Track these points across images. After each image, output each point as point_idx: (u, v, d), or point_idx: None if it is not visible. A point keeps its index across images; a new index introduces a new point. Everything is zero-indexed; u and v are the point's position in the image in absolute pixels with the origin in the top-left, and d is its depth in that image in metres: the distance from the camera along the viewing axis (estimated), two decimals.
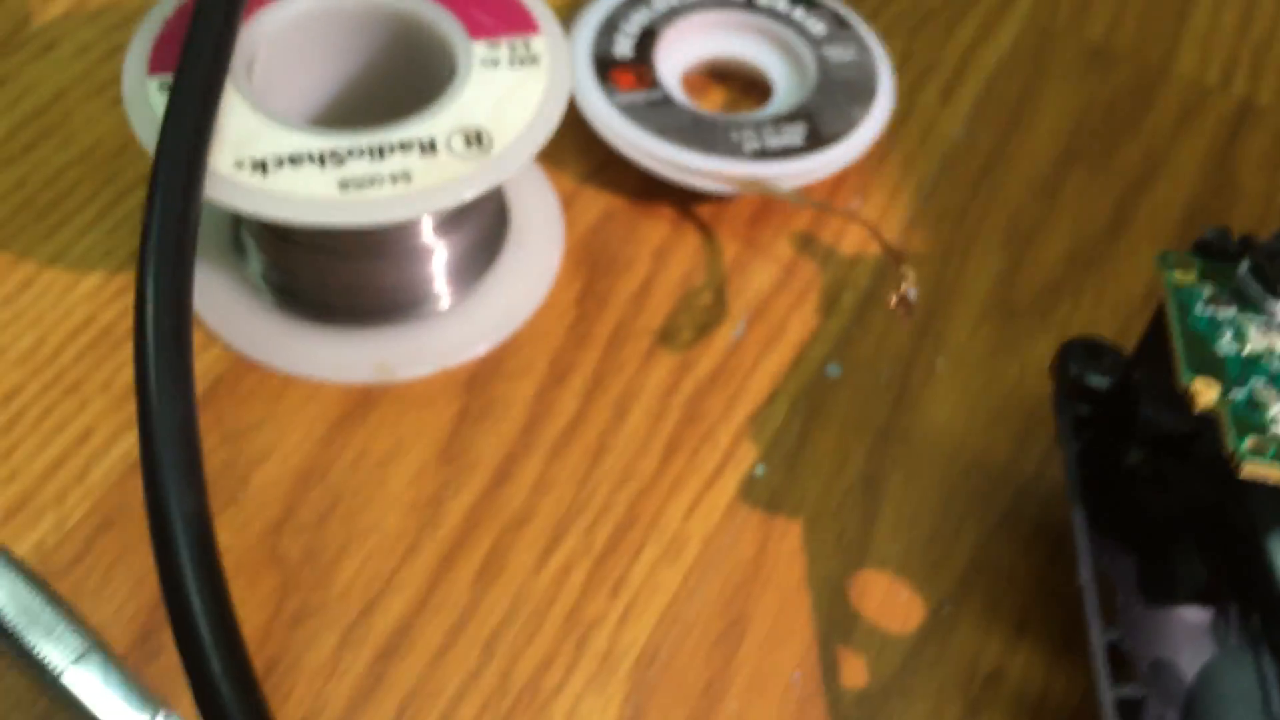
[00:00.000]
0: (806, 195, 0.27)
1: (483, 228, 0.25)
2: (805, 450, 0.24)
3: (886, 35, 0.32)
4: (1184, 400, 0.19)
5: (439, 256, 0.24)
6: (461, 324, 0.25)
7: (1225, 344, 0.20)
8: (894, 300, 0.23)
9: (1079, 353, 0.20)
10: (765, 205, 0.28)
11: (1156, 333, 0.23)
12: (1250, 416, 0.18)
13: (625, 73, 0.28)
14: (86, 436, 0.23)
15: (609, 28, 0.29)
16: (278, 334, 0.24)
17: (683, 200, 0.27)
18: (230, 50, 0.21)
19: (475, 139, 0.22)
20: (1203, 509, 0.20)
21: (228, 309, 0.24)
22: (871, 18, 0.33)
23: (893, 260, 0.24)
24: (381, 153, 0.21)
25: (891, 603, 0.23)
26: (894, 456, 0.24)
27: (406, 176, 0.21)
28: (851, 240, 0.28)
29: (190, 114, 0.20)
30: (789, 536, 0.23)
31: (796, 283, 0.27)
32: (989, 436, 0.25)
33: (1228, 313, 0.20)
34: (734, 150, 0.27)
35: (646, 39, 0.29)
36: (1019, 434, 0.25)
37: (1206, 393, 0.19)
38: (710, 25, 0.30)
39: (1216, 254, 0.21)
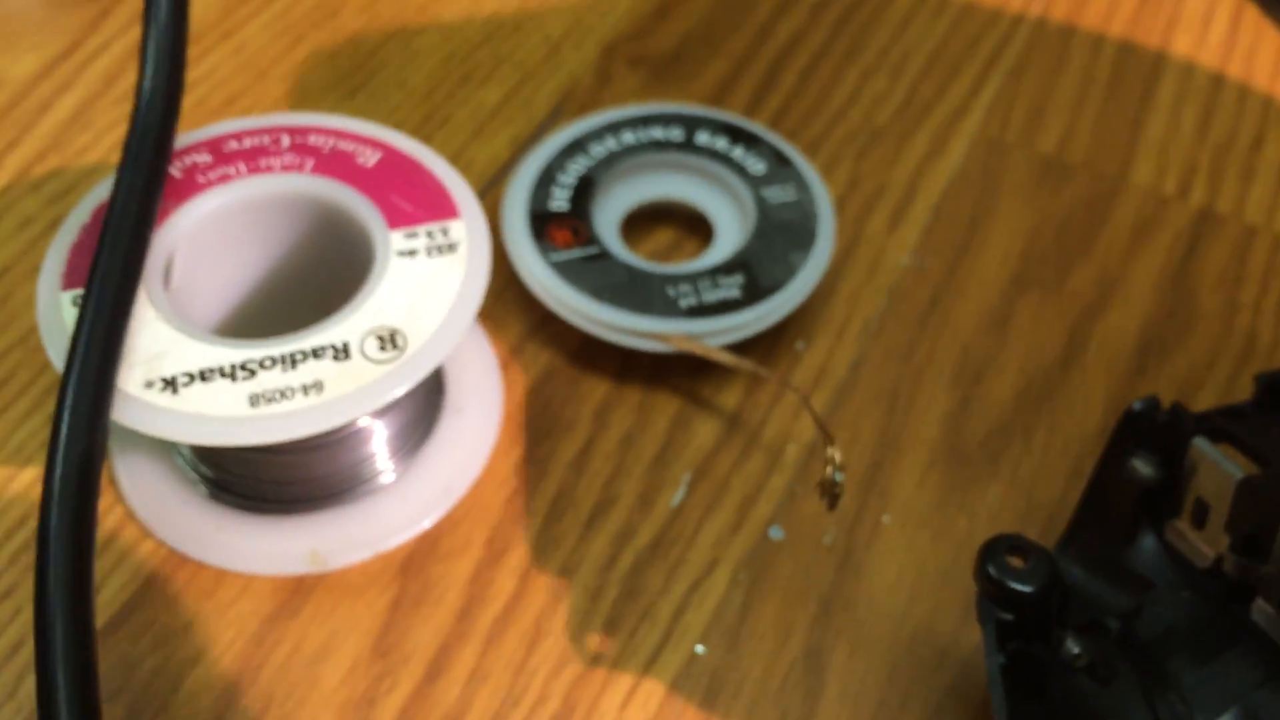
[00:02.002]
0: (746, 349, 0.27)
1: (419, 401, 0.25)
2: (747, 624, 0.24)
3: (834, 159, 0.32)
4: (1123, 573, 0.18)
5: (374, 438, 0.24)
6: (397, 504, 0.24)
7: None
8: (819, 487, 0.22)
9: (1001, 554, 0.19)
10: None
11: (1092, 498, 0.22)
12: None
13: (562, 229, 0.28)
14: (18, 647, 0.23)
15: (546, 180, 0.28)
16: (209, 528, 0.24)
17: (625, 355, 0.27)
18: (140, 265, 0.21)
19: (389, 340, 0.22)
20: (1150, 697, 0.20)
21: (160, 502, 0.24)
22: (819, 141, 0.32)
23: (821, 438, 0.23)
24: (293, 361, 0.21)
25: None
26: (838, 627, 0.24)
27: (319, 386, 0.21)
28: (799, 386, 0.27)
29: (96, 342, 0.20)
30: None
31: (739, 438, 0.26)
32: (936, 600, 0.24)
33: None
34: (670, 307, 0.26)
35: (584, 189, 0.28)
36: (966, 596, 0.24)
37: None
38: (649, 167, 0.30)
39: (1146, 430, 0.20)
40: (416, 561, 0.24)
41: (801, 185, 0.29)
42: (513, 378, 0.27)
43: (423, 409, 0.25)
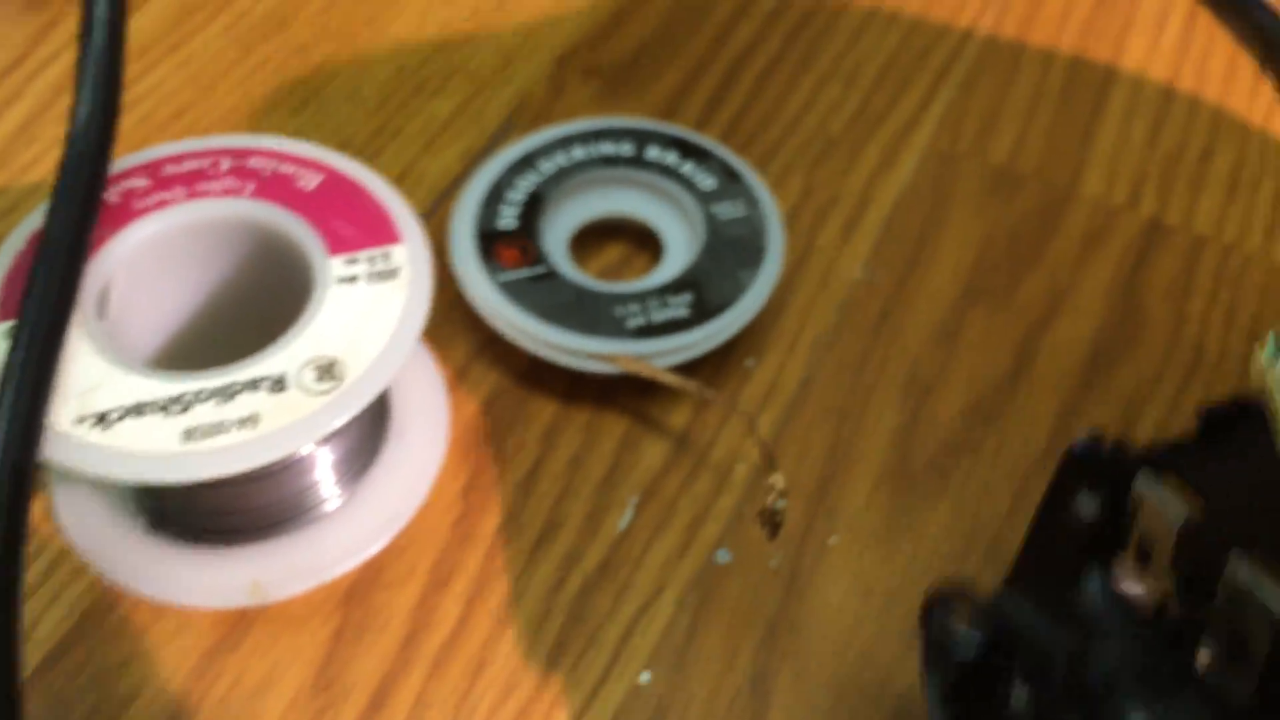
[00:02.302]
0: (695, 368, 0.27)
1: (362, 427, 0.25)
2: (693, 649, 0.24)
3: (788, 168, 0.32)
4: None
5: (316, 466, 0.24)
6: (340, 533, 0.24)
7: None
8: (759, 516, 0.22)
9: (945, 616, 0.19)
10: None
11: (1037, 537, 0.22)
12: None
13: (509, 247, 0.27)
14: None
15: (494, 197, 0.28)
16: (148, 560, 0.23)
17: (573, 375, 0.27)
18: (73, 297, 0.21)
19: (328, 370, 0.21)
20: None
21: (99, 535, 0.24)
22: (773, 149, 0.32)
23: (764, 463, 0.23)
24: (229, 394, 0.21)
25: None
26: (784, 651, 0.24)
27: (254, 420, 0.21)
28: (746, 406, 0.27)
29: (27, 379, 0.20)
30: None
31: (688, 458, 0.26)
32: (880, 624, 0.24)
33: None
34: (618, 327, 0.26)
35: (533, 206, 0.28)
36: (910, 622, 0.24)
37: None
38: (599, 183, 0.30)
39: (1089, 467, 0.20)
40: (360, 590, 0.24)
41: (751, 201, 0.29)
42: (460, 399, 0.27)
43: (367, 434, 0.25)
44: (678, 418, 0.27)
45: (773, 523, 0.22)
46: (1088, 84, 0.34)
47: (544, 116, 0.33)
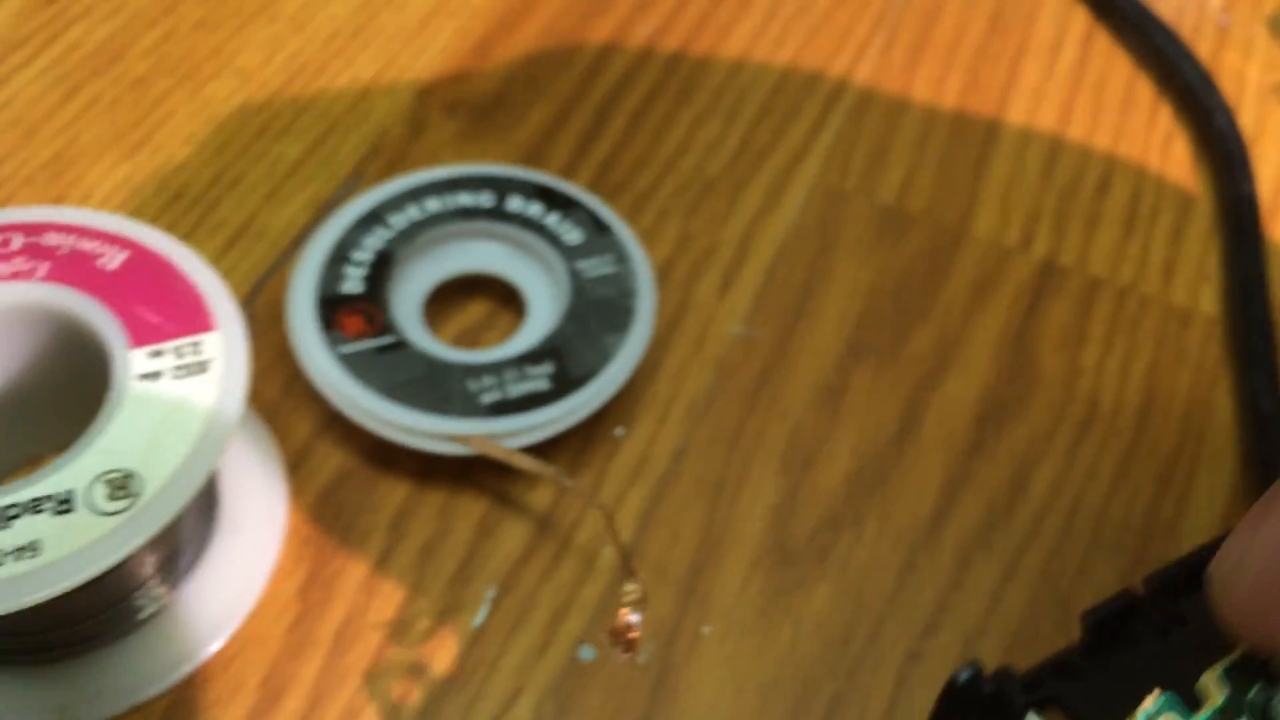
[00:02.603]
0: (561, 439, 0.25)
1: (185, 526, 0.22)
2: None
3: (663, 214, 0.30)
4: None
5: (128, 576, 0.21)
6: (158, 646, 0.22)
7: None
8: (610, 635, 0.20)
9: None
10: None
11: None
12: None
13: (353, 315, 0.25)
14: None
15: (338, 258, 0.26)
16: None
17: (426, 455, 0.25)
18: None
19: (122, 486, 0.19)
20: None
21: None
22: (648, 193, 0.30)
23: (620, 567, 0.21)
24: (6, 519, 0.18)
25: None
26: None
27: (34, 549, 0.18)
28: (616, 481, 0.25)
29: None
30: None
31: (550, 543, 0.24)
32: (758, 718, 0.23)
33: None
34: (471, 404, 0.24)
35: (381, 266, 0.26)
36: (791, 712, 0.23)
37: None
38: (456, 237, 0.27)
39: (972, 700, 0.18)
40: (180, 711, 0.22)
41: (620, 256, 0.27)
42: (301, 484, 0.25)
43: (191, 533, 0.23)
44: (540, 497, 0.25)
45: (625, 641, 0.20)
46: (980, 114, 0.33)
47: (402, 158, 0.30)
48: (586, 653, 0.23)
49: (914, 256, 0.30)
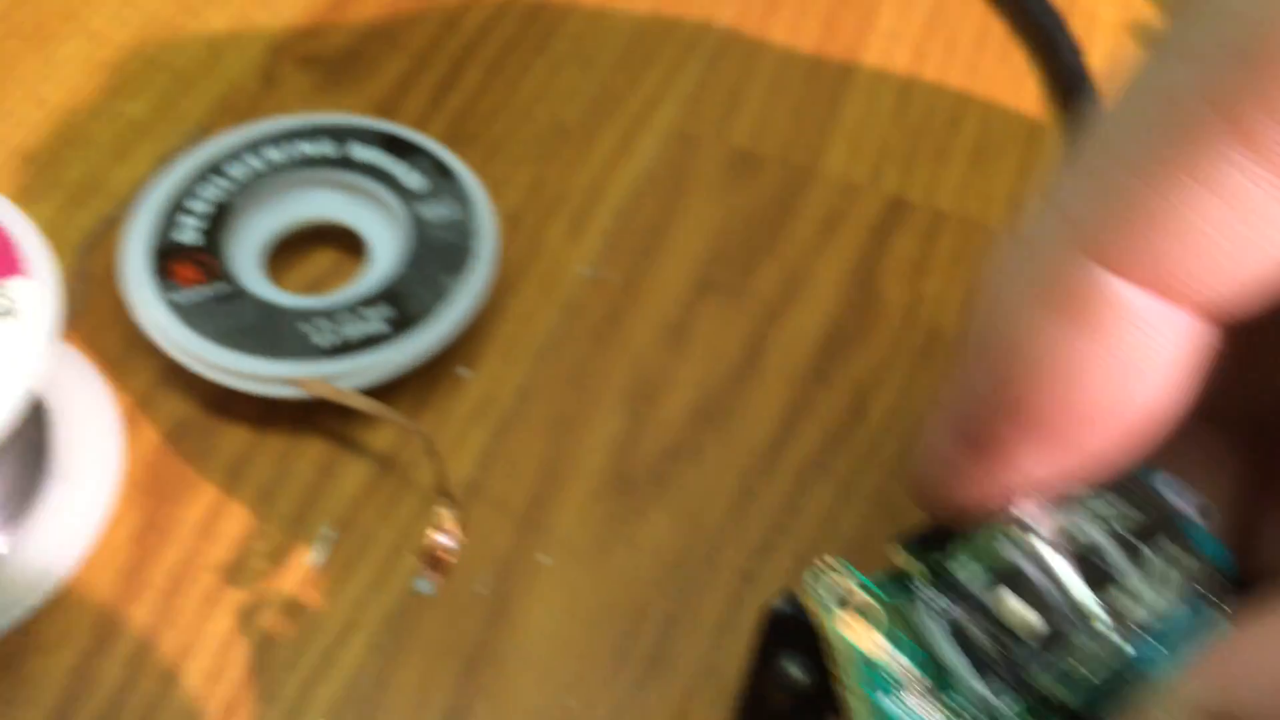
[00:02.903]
0: (403, 382, 0.25)
1: (11, 474, 0.23)
2: (383, 695, 0.22)
3: (516, 163, 0.30)
4: None
5: None
6: None
7: None
8: (419, 555, 0.21)
9: None
10: None
11: (749, 704, 0.20)
12: None
13: (187, 265, 0.25)
14: None
15: (174, 208, 0.26)
16: None
17: (267, 399, 0.25)
18: None
19: None
20: None
21: None
22: (501, 143, 0.30)
23: (438, 492, 0.21)
24: None
25: None
26: (482, 684, 0.22)
27: None
28: (458, 420, 0.26)
29: None
30: None
31: (391, 482, 0.25)
32: (588, 644, 0.23)
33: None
34: (306, 348, 0.24)
35: (219, 216, 0.26)
36: (619, 638, 0.23)
37: None
38: (298, 187, 0.27)
39: (792, 628, 0.18)
40: (7, 658, 0.22)
41: (463, 200, 0.27)
42: (139, 433, 0.25)
43: (18, 481, 0.23)
44: (381, 439, 0.25)
45: (435, 563, 0.21)
46: (835, 58, 0.33)
47: (252, 113, 0.30)
48: (424, 585, 0.23)
49: (764, 197, 0.30)
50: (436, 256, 0.26)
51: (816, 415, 0.26)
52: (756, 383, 0.27)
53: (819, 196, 0.30)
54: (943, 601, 0.16)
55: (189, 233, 0.26)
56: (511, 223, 0.29)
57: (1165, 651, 0.15)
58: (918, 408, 0.27)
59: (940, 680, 0.15)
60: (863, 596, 0.16)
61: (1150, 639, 0.15)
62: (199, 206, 0.26)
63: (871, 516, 0.25)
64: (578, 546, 0.24)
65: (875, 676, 0.15)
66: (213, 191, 0.26)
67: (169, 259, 0.25)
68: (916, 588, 0.16)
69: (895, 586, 0.16)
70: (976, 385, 0.15)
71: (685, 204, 0.30)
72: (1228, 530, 0.16)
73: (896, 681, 0.15)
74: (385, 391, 0.25)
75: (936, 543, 0.17)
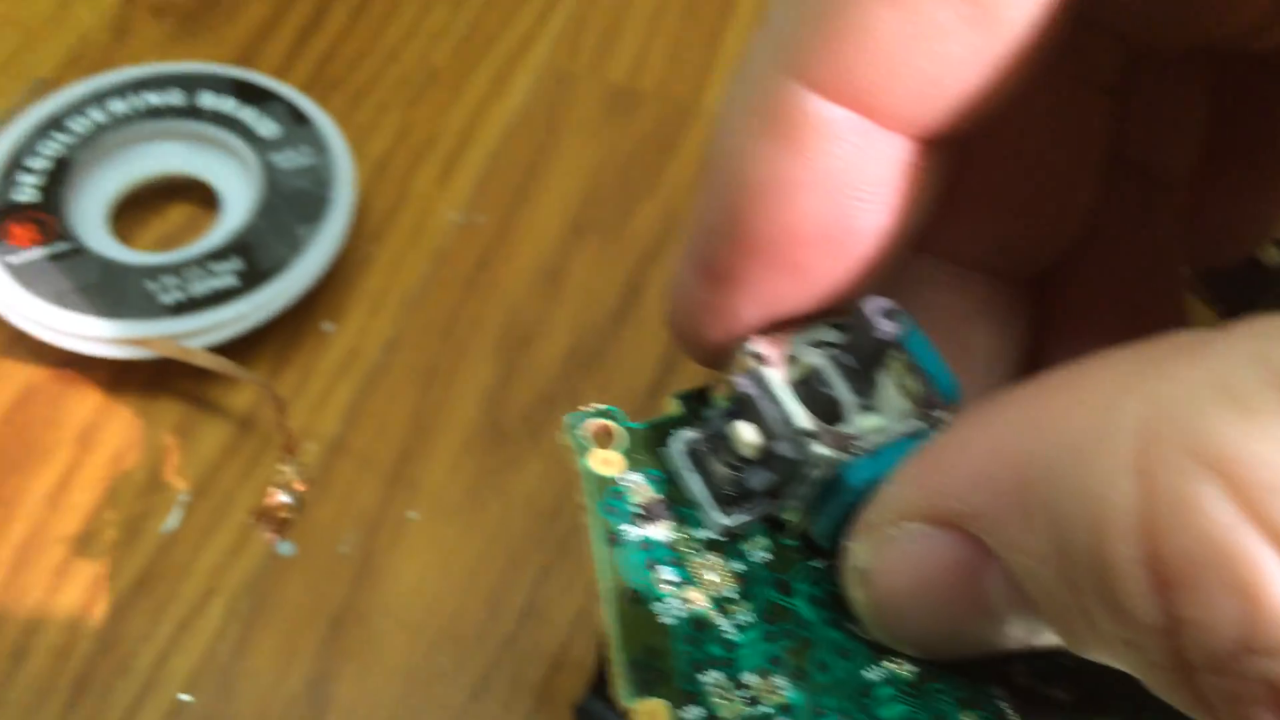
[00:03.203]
0: (263, 338, 0.24)
1: None
2: (244, 660, 0.21)
3: (383, 108, 0.29)
4: None
5: None
6: None
7: (669, 601, 0.15)
8: (256, 514, 0.20)
9: None
10: None
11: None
12: None
13: (24, 224, 0.24)
14: None
15: (11, 166, 0.25)
16: None
17: (119, 362, 0.24)
18: None
19: None
20: None
21: None
22: (367, 88, 0.29)
23: (284, 449, 0.21)
24: None
25: None
26: (347, 646, 0.22)
27: None
28: (323, 376, 0.25)
29: None
30: None
31: (251, 443, 0.24)
32: (461, 600, 0.22)
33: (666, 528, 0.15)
34: (151, 305, 0.23)
35: (60, 173, 0.25)
36: (493, 592, 0.22)
37: None
38: (146, 139, 0.26)
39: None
40: None
41: (319, 147, 0.26)
42: None
43: None
44: (240, 399, 0.24)
45: (273, 520, 0.20)
46: None
47: (104, 66, 0.29)
48: (285, 548, 0.23)
49: (643, 135, 0.29)
50: (290, 206, 0.25)
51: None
52: (634, 327, 0.26)
53: (700, 133, 0.30)
54: (688, 434, 0.16)
55: (26, 191, 0.24)
56: (378, 170, 0.28)
57: (885, 468, 0.15)
58: None
59: (685, 513, 0.16)
60: (619, 432, 0.16)
61: (869, 457, 0.15)
62: (38, 164, 0.25)
63: None
64: (448, 501, 0.23)
65: (619, 505, 0.15)
66: (53, 147, 0.25)
67: (5, 219, 0.24)
68: (672, 427, 0.16)
69: (657, 431, 0.16)
70: (709, 216, 0.15)
71: (560, 144, 0.29)
72: (1012, 380, 0.16)
73: (642, 512, 0.15)
74: (245, 349, 0.24)
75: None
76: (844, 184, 0.15)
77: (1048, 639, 0.14)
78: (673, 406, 0.17)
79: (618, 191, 0.28)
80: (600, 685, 0.20)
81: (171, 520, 0.23)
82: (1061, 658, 0.15)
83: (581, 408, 0.16)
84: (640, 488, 0.16)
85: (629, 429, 0.16)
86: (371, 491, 0.23)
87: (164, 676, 0.21)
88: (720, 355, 0.16)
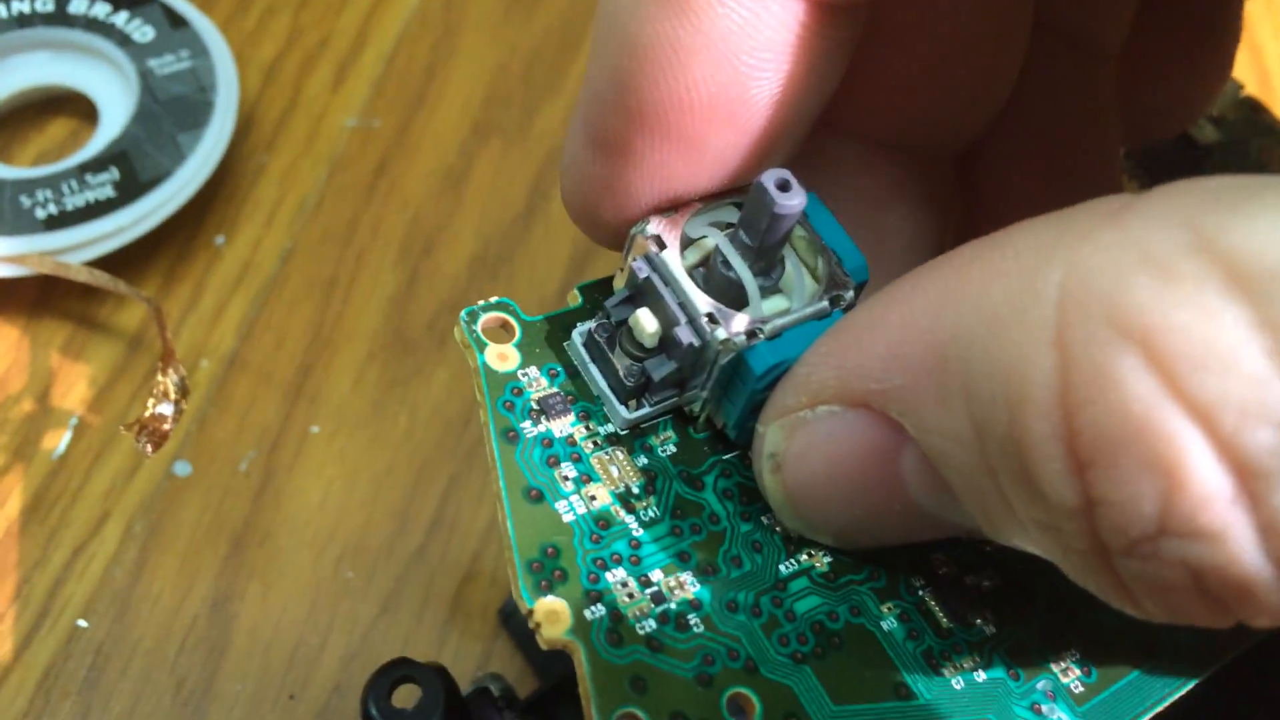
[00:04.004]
0: (152, 250, 0.23)
1: None
2: (141, 584, 0.21)
3: (271, 10, 0.28)
4: None
5: None
6: None
7: (570, 498, 0.14)
8: (132, 428, 0.19)
9: (385, 693, 0.15)
10: None
11: None
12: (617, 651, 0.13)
13: None
14: None
15: None
16: None
17: (2, 283, 0.23)
18: None
19: None
20: None
21: None
22: None
23: (163, 362, 0.20)
24: None
25: None
26: (250, 565, 0.21)
27: None
28: (216, 290, 0.24)
29: None
30: (114, 705, 0.19)
31: (143, 361, 0.23)
32: (368, 514, 0.22)
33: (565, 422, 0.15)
34: (26, 221, 0.22)
35: None
36: (402, 504, 0.22)
37: (553, 627, 0.13)
38: (13, 50, 0.25)
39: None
40: None
41: (198, 51, 0.24)
42: None
43: None
44: (130, 316, 0.23)
45: (151, 433, 0.19)
46: None
47: None
48: (182, 468, 0.22)
49: (546, 30, 0.28)
50: (169, 113, 0.24)
51: (607, 256, 0.25)
52: (542, 229, 0.25)
53: None
54: (589, 324, 0.15)
55: None
56: (268, 76, 0.27)
57: (792, 352, 0.14)
58: None
59: (589, 408, 0.15)
60: (516, 326, 0.15)
61: (776, 341, 0.14)
62: None
63: None
64: (352, 413, 0.23)
65: (517, 401, 0.15)
66: None
67: None
68: (574, 320, 0.16)
69: (557, 324, 0.16)
70: (597, 83, 0.14)
71: (460, 42, 0.28)
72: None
73: (541, 408, 0.15)
74: (135, 266, 0.23)
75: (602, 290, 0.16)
76: (735, 48, 0.14)
77: (967, 525, 0.13)
78: (574, 298, 0.16)
79: (521, 91, 0.27)
80: None
81: (60, 445, 0.22)
82: (984, 545, 0.15)
83: (479, 301, 0.15)
84: (538, 382, 0.15)
85: (526, 322, 0.16)
86: (271, 407, 0.23)
87: (59, 603, 0.20)
88: (620, 236, 0.15)
